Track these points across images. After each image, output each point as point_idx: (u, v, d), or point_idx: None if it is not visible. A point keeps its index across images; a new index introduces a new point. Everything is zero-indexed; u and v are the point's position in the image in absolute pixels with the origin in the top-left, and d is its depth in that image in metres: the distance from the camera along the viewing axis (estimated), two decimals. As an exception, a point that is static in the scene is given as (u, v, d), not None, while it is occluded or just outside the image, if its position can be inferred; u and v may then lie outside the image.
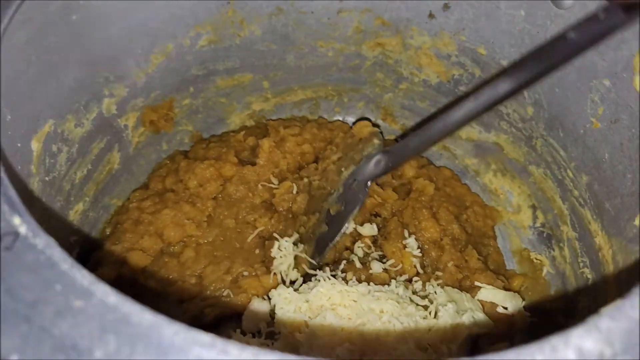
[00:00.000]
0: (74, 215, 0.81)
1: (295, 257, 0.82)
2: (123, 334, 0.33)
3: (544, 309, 0.85)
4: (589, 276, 0.81)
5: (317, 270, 0.81)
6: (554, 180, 0.88)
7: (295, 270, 0.82)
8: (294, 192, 0.88)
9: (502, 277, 0.84)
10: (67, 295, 0.35)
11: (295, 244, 0.84)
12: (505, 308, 0.80)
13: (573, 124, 0.79)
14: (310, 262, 0.82)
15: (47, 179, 0.72)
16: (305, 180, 0.90)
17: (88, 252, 0.84)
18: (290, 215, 0.87)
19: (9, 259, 0.36)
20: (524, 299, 0.84)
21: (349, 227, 0.84)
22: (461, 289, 0.82)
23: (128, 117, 0.86)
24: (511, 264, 0.95)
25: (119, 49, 0.79)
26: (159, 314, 0.34)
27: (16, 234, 0.37)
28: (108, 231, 0.88)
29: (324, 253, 0.82)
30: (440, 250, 0.85)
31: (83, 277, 0.35)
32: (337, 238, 0.82)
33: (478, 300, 0.80)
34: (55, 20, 0.67)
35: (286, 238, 0.84)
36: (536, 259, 0.92)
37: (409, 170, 0.95)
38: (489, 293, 0.80)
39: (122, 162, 0.89)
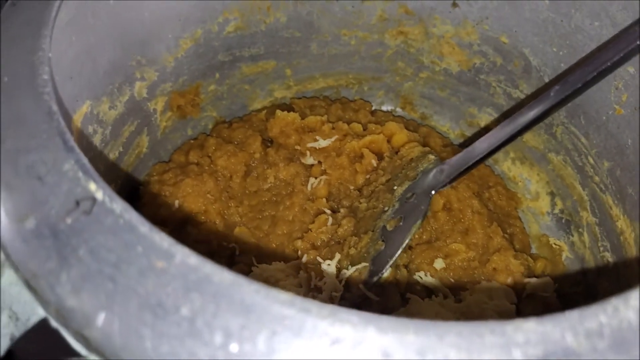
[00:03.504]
0: (106, 196, 0.82)
1: (347, 280, 0.78)
2: (206, 293, 0.34)
3: (565, 293, 0.86)
4: (610, 259, 0.82)
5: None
6: (573, 167, 0.89)
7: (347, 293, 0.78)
8: (329, 224, 0.85)
9: (529, 258, 0.86)
10: (149, 256, 0.36)
11: (339, 268, 0.79)
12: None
13: (596, 111, 0.81)
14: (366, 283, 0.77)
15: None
16: (345, 205, 0.88)
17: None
18: (333, 242, 0.83)
19: (89, 222, 0.37)
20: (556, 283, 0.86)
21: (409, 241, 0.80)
22: (480, 269, 0.83)
23: (157, 102, 0.87)
24: (531, 250, 0.96)
25: (150, 32, 0.80)
26: (238, 274, 0.35)
27: (93, 199, 0.38)
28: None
29: (383, 270, 0.77)
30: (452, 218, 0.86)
31: (162, 239, 0.36)
32: (399, 253, 0.78)
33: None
34: (94, 1, 0.68)
35: (328, 261, 0.80)
36: (555, 244, 0.93)
37: (433, 147, 0.96)
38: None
39: (150, 146, 0.90)
